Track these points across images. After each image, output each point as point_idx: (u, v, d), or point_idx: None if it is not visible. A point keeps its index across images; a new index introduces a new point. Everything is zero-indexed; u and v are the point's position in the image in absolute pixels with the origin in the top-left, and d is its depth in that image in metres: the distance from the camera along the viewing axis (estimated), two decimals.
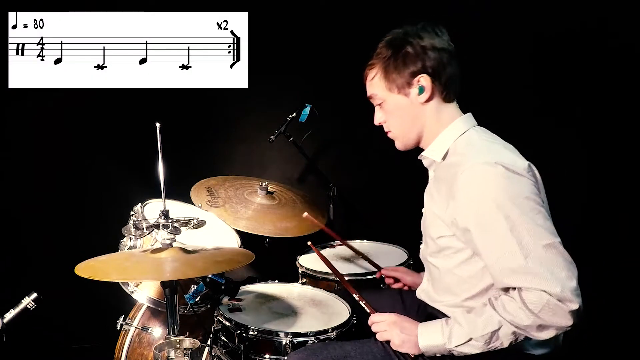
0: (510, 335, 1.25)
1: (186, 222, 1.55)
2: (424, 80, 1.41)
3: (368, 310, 1.52)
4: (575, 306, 1.19)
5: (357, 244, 2.41)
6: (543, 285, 1.19)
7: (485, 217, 1.26)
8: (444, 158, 1.44)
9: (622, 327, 2.40)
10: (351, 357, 1.39)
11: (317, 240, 2.31)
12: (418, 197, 1.61)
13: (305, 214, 2.03)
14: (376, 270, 1.96)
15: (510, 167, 1.27)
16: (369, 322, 1.47)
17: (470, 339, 1.28)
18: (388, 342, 1.41)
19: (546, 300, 1.19)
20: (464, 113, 1.48)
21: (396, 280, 1.87)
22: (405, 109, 1.45)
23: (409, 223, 1.80)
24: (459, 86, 1.46)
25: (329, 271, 2.03)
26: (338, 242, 2.36)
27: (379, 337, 1.43)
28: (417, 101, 1.43)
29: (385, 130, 1.54)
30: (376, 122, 1.54)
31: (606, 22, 2.39)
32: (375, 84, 1.48)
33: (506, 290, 1.30)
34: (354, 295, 1.58)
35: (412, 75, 1.41)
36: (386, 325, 1.41)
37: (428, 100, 1.43)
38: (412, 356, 1.37)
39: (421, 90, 1.41)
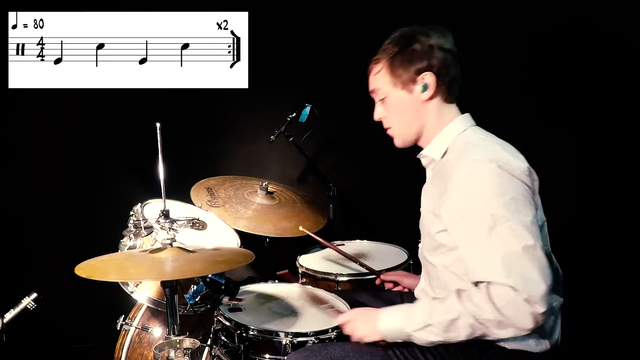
0: (467, 327, 1.25)
1: (187, 223, 1.56)
2: (429, 77, 1.42)
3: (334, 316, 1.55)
4: (540, 309, 1.18)
5: (357, 243, 2.42)
6: (512, 282, 1.20)
7: (470, 210, 1.28)
8: (442, 156, 1.45)
9: (618, 325, 2.41)
10: (350, 357, 1.39)
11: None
12: (418, 197, 1.61)
13: (301, 228, 2.12)
14: (374, 271, 1.97)
15: (504, 166, 1.28)
16: (340, 324, 1.48)
17: (428, 325, 1.28)
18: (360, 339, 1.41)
19: (512, 297, 1.19)
20: (462, 113, 1.50)
21: (395, 284, 1.88)
22: (407, 105, 1.46)
23: (409, 223, 1.80)
24: (458, 88, 1.47)
25: (329, 271, 2.05)
26: (338, 242, 2.36)
27: (349, 332, 1.43)
28: (419, 98, 1.45)
29: (385, 126, 1.54)
30: (376, 117, 1.54)
31: (606, 21, 2.39)
32: (380, 79, 1.48)
33: (477, 285, 1.30)
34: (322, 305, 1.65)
35: (418, 72, 1.43)
36: (352, 322, 1.43)
37: (430, 98, 1.44)
38: (384, 343, 1.37)
39: (425, 87, 1.43)
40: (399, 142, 1.53)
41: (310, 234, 2.12)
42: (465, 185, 1.30)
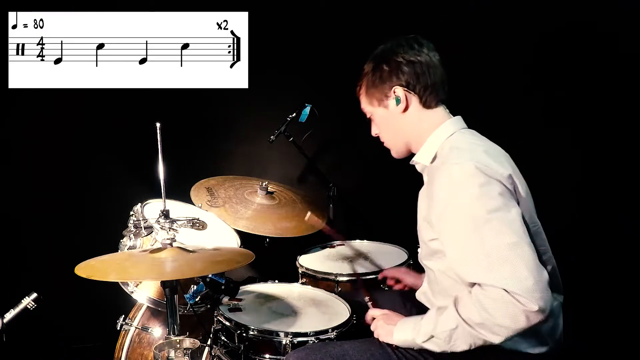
0: (466, 335, 1.27)
1: (187, 223, 1.56)
2: (399, 91, 1.47)
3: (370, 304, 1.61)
4: (532, 306, 1.17)
5: (357, 244, 2.42)
6: (500, 282, 1.20)
7: (452, 215, 1.30)
8: (432, 162, 1.47)
9: (619, 326, 2.40)
10: (350, 355, 1.40)
11: (317, 240, 2.31)
12: (417, 198, 1.61)
13: (308, 215, 1.99)
14: (377, 270, 1.97)
15: (481, 167, 1.29)
16: (368, 315, 1.55)
17: (432, 337, 1.32)
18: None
19: (501, 297, 1.19)
20: (455, 116, 1.50)
21: (397, 281, 1.89)
22: (388, 120, 1.53)
23: (409, 223, 1.80)
24: (443, 91, 1.49)
25: (329, 271, 2.05)
26: (338, 242, 2.35)
27: (373, 329, 1.50)
28: (396, 111, 1.50)
29: (381, 141, 1.62)
30: (372, 133, 1.63)
31: (606, 21, 2.39)
32: (363, 99, 1.58)
33: (472, 286, 1.30)
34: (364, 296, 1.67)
35: (389, 89, 1.49)
36: (378, 320, 1.50)
37: (405, 109, 1.49)
38: (395, 345, 1.42)
39: (398, 101, 1.48)
40: (394, 154, 1.61)
41: (316, 218, 2.02)
42: (445, 189, 1.32)
